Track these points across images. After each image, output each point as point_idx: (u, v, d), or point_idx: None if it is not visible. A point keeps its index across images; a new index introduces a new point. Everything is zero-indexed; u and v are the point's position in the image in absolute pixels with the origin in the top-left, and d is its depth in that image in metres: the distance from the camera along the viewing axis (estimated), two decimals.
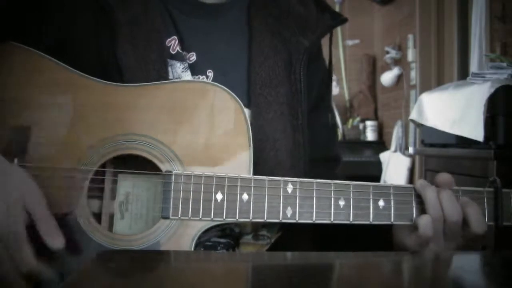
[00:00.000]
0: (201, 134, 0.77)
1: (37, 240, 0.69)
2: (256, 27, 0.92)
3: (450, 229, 0.77)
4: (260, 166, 0.81)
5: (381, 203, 0.78)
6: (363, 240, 0.83)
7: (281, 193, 0.76)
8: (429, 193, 0.77)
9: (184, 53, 0.87)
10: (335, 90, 4.66)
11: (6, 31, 0.80)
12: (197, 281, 0.58)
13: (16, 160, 0.73)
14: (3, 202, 0.67)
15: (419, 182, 0.79)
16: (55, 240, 0.69)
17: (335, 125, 1.02)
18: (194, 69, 0.87)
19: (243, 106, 0.78)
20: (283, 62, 0.90)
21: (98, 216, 0.77)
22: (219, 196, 0.75)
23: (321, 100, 0.99)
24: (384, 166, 4.38)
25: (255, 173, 0.77)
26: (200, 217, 0.74)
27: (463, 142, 2.34)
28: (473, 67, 3.02)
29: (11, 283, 0.67)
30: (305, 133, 0.89)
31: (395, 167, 4.19)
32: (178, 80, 0.84)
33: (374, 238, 0.83)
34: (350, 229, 0.79)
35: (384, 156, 4.42)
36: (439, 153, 2.70)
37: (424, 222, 0.75)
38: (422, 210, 0.78)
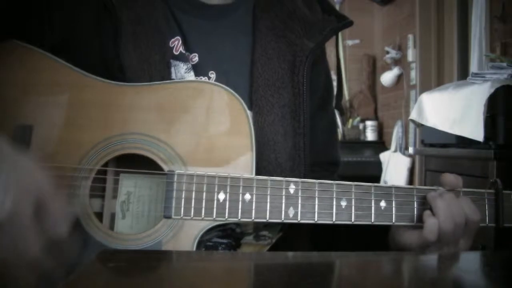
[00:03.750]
0: (204, 134, 0.77)
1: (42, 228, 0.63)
2: (260, 28, 0.92)
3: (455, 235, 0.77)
4: (260, 168, 0.81)
5: (382, 203, 0.78)
6: (362, 239, 0.83)
7: (283, 193, 0.76)
8: (440, 204, 0.77)
9: (187, 53, 0.87)
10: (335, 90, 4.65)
11: (10, 30, 0.80)
12: (197, 281, 0.58)
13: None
14: (15, 188, 0.61)
15: (431, 195, 0.78)
16: (60, 225, 0.63)
17: (336, 128, 1.02)
18: (197, 70, 0.87)
19: (246, 107, 0.78)
20: (286, 64, 0.90)
21: (99, 216, 0.77)
22: (221, 196, 0.75)
23: (324, 104, 0.98)
24: (384, 166, 4.38)
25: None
26: (202, 216, 0.74)
27: (463, 142, 2.34)
28: (473, 67, 3.02)
29: (14, 272, 0.62)
30: (307, 137, 0.89)
31: (395, 167, 4.19)
32: (182, 80, 0.84)
33: (373, 237, 0.83)
34: (349, 229, 0.79)
35: (384, 156, 4.42)
36: (439, 153, 2.70)
37: (431, 226, 0.75)
38: (423, 211, 0.78)
